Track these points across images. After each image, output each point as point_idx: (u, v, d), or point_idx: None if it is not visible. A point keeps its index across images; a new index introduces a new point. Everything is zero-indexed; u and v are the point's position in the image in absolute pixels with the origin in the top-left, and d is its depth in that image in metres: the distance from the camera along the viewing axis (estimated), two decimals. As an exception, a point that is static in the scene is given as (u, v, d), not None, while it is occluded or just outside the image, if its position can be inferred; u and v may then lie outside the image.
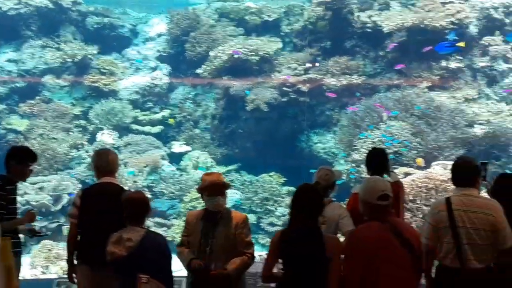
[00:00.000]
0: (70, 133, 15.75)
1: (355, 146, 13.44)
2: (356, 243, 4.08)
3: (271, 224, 13.54)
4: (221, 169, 15.10)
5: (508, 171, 12.92)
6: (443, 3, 15.10)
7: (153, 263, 4.16)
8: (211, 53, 16.28)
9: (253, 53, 15.76)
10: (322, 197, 4.47)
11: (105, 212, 4.65)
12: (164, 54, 17.86)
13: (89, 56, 17.13)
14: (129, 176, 14.31)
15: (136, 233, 4.20)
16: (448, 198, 4.31)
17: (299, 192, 4.16)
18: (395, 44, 14.92)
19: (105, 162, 4.88)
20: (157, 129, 16.38)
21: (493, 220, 4.13)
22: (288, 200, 13.40)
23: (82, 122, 16.22)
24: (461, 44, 13.55)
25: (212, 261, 4.42)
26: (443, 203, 4.29)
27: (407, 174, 11.88)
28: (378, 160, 5.35)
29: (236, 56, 15.69)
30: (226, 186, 4.58)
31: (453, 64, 14.90)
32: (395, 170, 11.56)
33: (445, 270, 4.23)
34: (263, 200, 14.21)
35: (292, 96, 15.20)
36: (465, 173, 4.33)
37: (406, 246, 4.06)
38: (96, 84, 16.65)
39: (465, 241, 4.12)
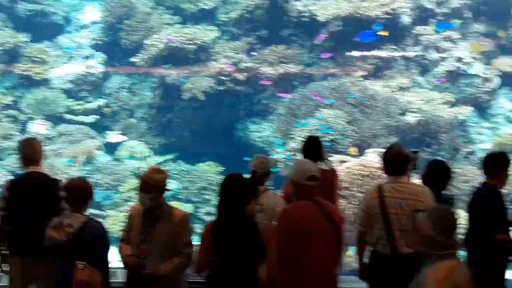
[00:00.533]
0: (0, 123, 15.86)
1: (291, 134, 14.13)
2: (286, 221, 4.30)
3: (208, 214, 13.90)
4: (158, 159, 15.58)
5: (439, 158, 14.28)
6: None
7: (92, 251, 4.20)
8: (147, 42, 16.59)
9: (190, 42, 16.14)
10: (252, 185, 4.65)
11: (35, 202, 4.81)
12: (98, 42, 17.96)
13: (20, 44, 17.14)
14: (63, 166, 14.49)
15: (76, 220, 4.28)
16: (380, 186, 4.65)
17: (227, 182, 4.29)
18: (326, 35, 15.65)
19: (31, 150, 5.00)
20: (92, 118, 16.58)
21: (422, 206, 4.35)
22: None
23: (13, 112, 16.31)
24: (384, 33, 14.39)
25: (149, 259, 4.40)
26: (375, 190, 4.64)
27: (342, 162, 12.55)
28: (313, 148, 5.68)
29: (171, 44, 16.04)
30: (154, 186, 4.46)
31: (387, 54, 15.75)
32: (331, 158, 12.55)
33: (377, 255, 4.59)
34: (200, 190, 14.76)
35: (229, 85, 15.70)
36: (396, 161, 4.66)
37: (329, 220, 4.36)
38: (27, 73, 16.72)
39: (396, 227, 4.46)
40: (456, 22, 16.21)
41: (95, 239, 4.27)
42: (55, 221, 4.31)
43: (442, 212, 3.55)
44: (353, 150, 13.48)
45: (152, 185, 4.44)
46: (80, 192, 4.35)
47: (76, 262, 4.10)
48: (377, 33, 14.48)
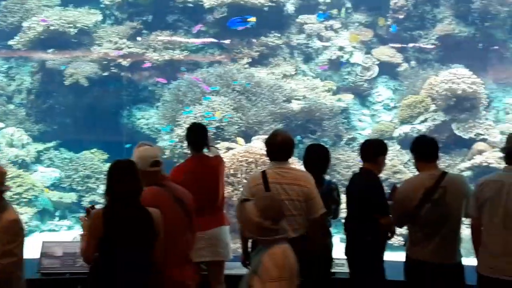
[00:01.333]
0: None
1: (178, 121, 14.87)
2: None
3: (93, 202, 13.75)
4: (38, 146, 15.95)
5: (323, 144, 15.83)
6: None
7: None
8: (25, 24, 16.74)
9: (71, 25, 16.50)
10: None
11: None
12: (-28, 24, 17.51)
13: None
14: None
15: None
16: (264, 172, 4.89)
17: (115, 169, 4.37)
18: (200, 26, 16.79)
19: None
20: (-34, 105, 16.24)
21: (306, 190, 4.81)
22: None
23: None
24: (252, 19, 15.33)
25: None
26: (259, 177, 4.86)
27: (228, 149, 13.45)
28: (197, 135, 5.82)
29: (50, 26, 16.28)
30: None
31: (272, 41, 16.93)
32: (217, 145, 13.45)
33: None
34: (84, 178, 15.32)
35: (113, 70, 16.29)
36: (280, 148, 4.95)
37: (180, 204, 4.76)
38: None
39: None
40: (334, 12, 17.74)
41: None
42: None
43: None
44: (240, 140, 14.33)
45: None
46: None
47: None
48: (247, 19, 15.43)
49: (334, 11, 17.66)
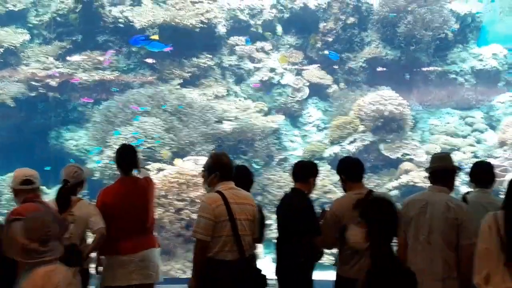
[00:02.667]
0: None
1: (108, 142, 14.83)
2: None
3: None
4: None
5: (254, 165, 16.00)
6: (193, 2, 17.11)
7: None
8: None
9: None
10: (62, 195, 5.16)
11: None
12: None
13: None
14: None
15: None
16: (221, 193, 4.90)
17: None
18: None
19: None
20: None
21: (254, 210, 5.03)
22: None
23: None
24: (154, 37, 15.61)
25: None
26: (218, 198, 4.87)
27: (159, 170, 13.49)
28: (126, 157, 5.82)
29: None
30: None
31: (203, 62, 17.09)
32: (148, 166, 13.71)
33: (219, 263, 4.81)
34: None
35: (41, 91, 16.16)
36: (230, 168, 5.06)
37: (56, 221, 4.51)
38: None
39: (241, 232, 4.84)
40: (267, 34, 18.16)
41: None
42: None
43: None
44: (165, 153, 14.48)
45: None
46: None
47: None
48: (150, 37, 15.68)
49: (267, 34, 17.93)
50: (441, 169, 5.04)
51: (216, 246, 4.79)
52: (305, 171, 5.63)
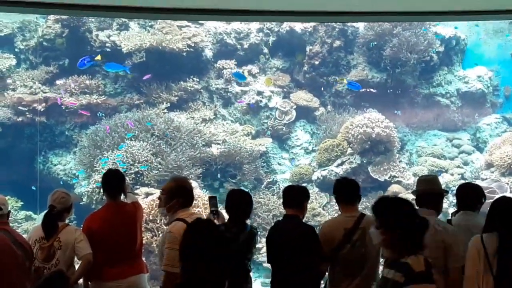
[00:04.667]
0: None
1: (95, 167, 14.74)
2: None
3: None
4: None
5: (243, 188, 15.97)
6: (180, 27, 17.26)
7: None
8: None
9: None
10: (49, 221, 5.26)
11: None
12: None
13: None
14: None
15: None
16: (185, 221, 4.88)
17: None
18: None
19: None
20: None
21: None
22: (27, 225, 14.19)
23: None
24: (98, 58, 15.63)
25: None
26: (185, 227, 4.76)
27: (148, 194, 13.41)
28: (113, 182, 5.83)
29: None
30: None
31: (190, 86, 17.19)
32: (136, 191, 13.79)
33: None
34: None
35: (28, 115, 16.11)
36: (191, 195, 5.18)
37: (19, 246, 4.92)
38: None
39: None
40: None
41: None
42: None
43: None
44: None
45: None
46: None
47: None
48: (94, 58, 15.71)
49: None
50: (428, 193, 5.03)
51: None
52: (300, 196, 5.49)
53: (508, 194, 12.39)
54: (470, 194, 5.47)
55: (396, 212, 3.89)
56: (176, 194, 5.07)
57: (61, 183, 15.44)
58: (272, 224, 5.76)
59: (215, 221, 5.72)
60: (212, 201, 5.76)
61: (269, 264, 5.50)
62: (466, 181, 11.91)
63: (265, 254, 5.59)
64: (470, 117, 18.38)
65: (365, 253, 5.02)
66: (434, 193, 5.07)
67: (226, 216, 5.56)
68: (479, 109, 18.51)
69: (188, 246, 3.57)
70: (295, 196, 5.47)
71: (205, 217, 5.12)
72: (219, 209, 5.77)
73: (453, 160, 17.10)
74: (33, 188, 13.11)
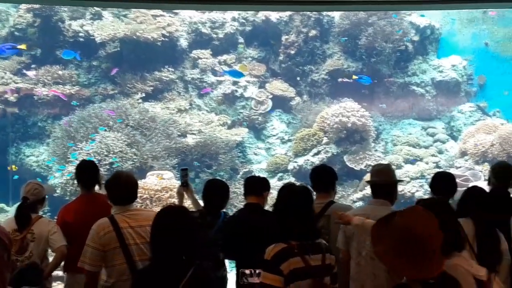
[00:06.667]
0: None
1: (69, 158, 14.59)
2: None
3: None
4: None
5: (218, 178, 15.95)
6: (154, 16, 17.16)
7: None
8: None
9: None
10: (22, 213, 5.09)
11: None
12: None
13: None
14: None
15: None
16: (113, 218, 4.68)
17: None
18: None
19: None
20: None
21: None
22: (0, 217, 13.97)
23: None
24: (22, 46, 15.48)
25: None
26: (108, 223, 4.64)
27: None
28: (87, 173, 5.70)
29: None
30: None
31: (165, 76, 17.13)
32: None
33: None
34: None
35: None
36: (127, 191, 4.82)
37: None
38: None
39: (137, 258, 4.57)
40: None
41: None
42: None
43: None
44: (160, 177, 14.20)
45: None
46: None
47: None
48: (16, 47, 15.54)
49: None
50: (381, 184, 4.96)
51: (113, 276, 4.61)
52: (260, 184, 5.45)
53: (481, 182, 12.53)
54: (445, 182, 5.47)
55: None
56: (112, 195, 4.92)
57: (38, 179, 15.17)
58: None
59: (185, 193, 5.84)
60: (183, 172, 5.86)
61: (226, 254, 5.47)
62: (441, 170, 12.00)
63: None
64: (445, 106, 18.57)
65: (328, 240, 4.80)
66: (387, 184, 4.96)
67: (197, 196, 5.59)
68: (453, 98, 18.70)
69: (158, 228, 3.58)
70: (257, 184, 5.44)
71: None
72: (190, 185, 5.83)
73: (428, 148, 17.26)
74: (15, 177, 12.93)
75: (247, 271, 4.67)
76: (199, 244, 3.67)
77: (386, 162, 15.76)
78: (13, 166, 14.79)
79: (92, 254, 4.57)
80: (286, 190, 4.20)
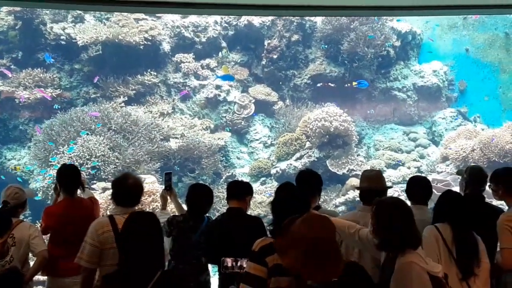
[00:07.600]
0: None
1: (51, 162, 14.42)
2: None
3: None
4: None
5: (202, 182, 15.90)
6: (137, 20, 17.14)
7: None
8: None
9: None
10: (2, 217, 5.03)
11: None
12: None
13: None
14: None
15: None
16: (112, 218, 4.71)
17: None
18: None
19: None
20: None
21: None
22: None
23: None
24: None
25: None
26: (107, 223, 4.66)
27: (105, 189, 13.11)
28: (68, 177, 5.65)
29: None
30: None
31: (148, 79, 17.05)
32: (94, 185, 13.61)
33: None
34: None
35: None
36: (132, 192, 4.84)
37: None
38: None
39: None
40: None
41: None
42: None
43: None
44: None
45: None
46: None
47: None
48: None
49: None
50: (369, 190, 4.97)
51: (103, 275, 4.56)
52: (243, 189, 5.40)
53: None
54: (420, 187, 5.34)
55: None
56: (116, 195, 4.93)
57: (20, 179, 15.09)
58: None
59: (168, 197, 5.90)
60: (167, 176, 5.89)
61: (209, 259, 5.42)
62: (416, 174, 12.01)
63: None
64: (426, 111, 18.71)
65: None
66: (377, 190, 4.93)
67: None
68: (434, 103, 18.86)
69: (125, 233, 3.65)
70: (239, 188, 5.39)
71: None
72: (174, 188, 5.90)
73: (409, 153, 17.38)
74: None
75: (229, 263, 4.64)
76: (162, 250, 3.69)
77: (376, 168, 16.17)
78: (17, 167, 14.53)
79: (89, 251, 4.61)
80: (285, 191, 4.32)
